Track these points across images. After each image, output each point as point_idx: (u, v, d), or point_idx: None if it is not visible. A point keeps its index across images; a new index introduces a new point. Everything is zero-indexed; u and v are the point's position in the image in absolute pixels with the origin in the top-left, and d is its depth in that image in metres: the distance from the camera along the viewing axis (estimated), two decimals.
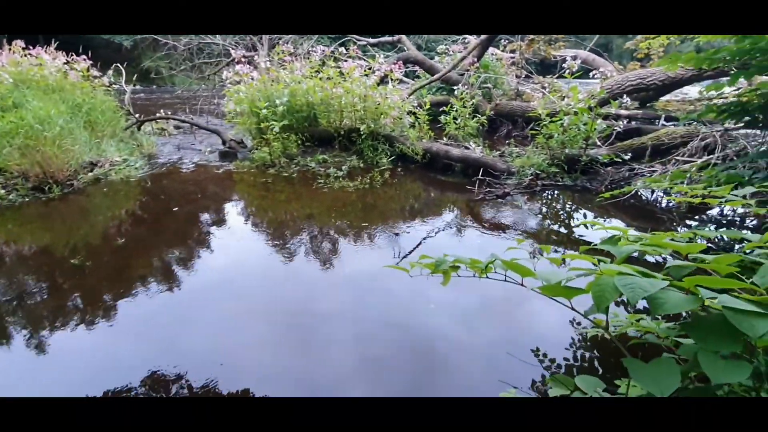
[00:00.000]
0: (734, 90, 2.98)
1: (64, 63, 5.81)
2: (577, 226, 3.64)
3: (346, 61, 5.63)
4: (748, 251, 1.09)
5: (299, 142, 5.33)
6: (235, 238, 3.37)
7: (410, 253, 3.02)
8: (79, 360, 1.96)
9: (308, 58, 6.29)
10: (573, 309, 0.95)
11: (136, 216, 3.82)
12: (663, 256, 2.35)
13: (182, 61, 8.94)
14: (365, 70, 5.53)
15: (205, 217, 3.87)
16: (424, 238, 3.26)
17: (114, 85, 6.50)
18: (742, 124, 2.85)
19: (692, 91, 7.55)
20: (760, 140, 3.79)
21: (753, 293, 0.77)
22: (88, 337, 2.11)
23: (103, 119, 5.50)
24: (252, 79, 5.40)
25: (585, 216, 3.91)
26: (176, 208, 3.99)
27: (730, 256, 0.89)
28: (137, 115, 6.43)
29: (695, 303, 0.71)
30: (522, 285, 0.97)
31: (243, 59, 6.02)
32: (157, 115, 6.45)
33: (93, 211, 3.95)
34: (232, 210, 4.04)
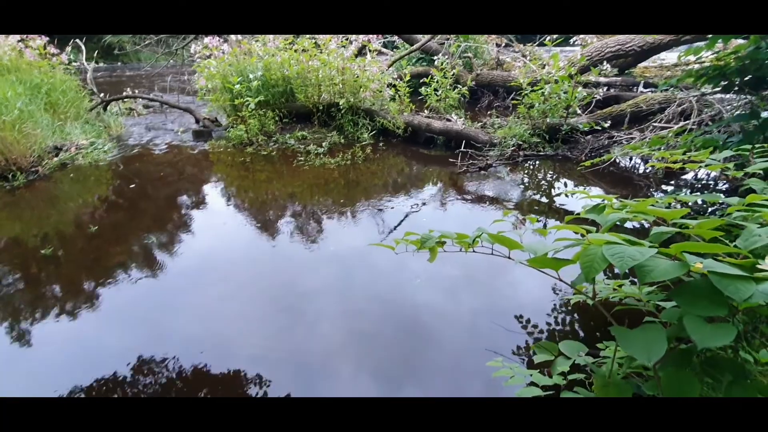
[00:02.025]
0: (712, 54, 2.98)
1: (18, 41, 5.39)
2: (558, 195, 3.68)
3: None
4: (729, 214, 1.11)
5: (277, 118, 5.15)
6: (216, 220, 3.28)
7: (395, 228, 3.01)
8: (61, 352, 1.91)
9: None
10: (560, 280, 0.95)
11: (109, 201, 3.67)
12: (641, 222, 2.39)
13: (147, 36, 8.43)
14: (342, 41, 5.32)
15: (184, 199, 3.75)
16: (409, 213, 3.25)
17: (74, 63, 6.09)
18: (718, 89, 2.88)
19: (670, 56, 7.58)
20: (734, 104, 3.85)
21: (736, 257, 0.78)
22: (67, 328, 2.04)
23: (64, 100, 5.17)
24: (223, 52, 5.13)
25: (566, 185, 3.95)
26: (152, 192, 3.84)
27: (712, 220, 0.89)
28: (102, 95, 6.08)
29: (682, 269, 0.71)
30: (509, 258, 0.96)
31: None
32: (124, 94, 6.11)
33: (62, 198, 3.77)
34: (212, 191, 3.92)
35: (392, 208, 3.33)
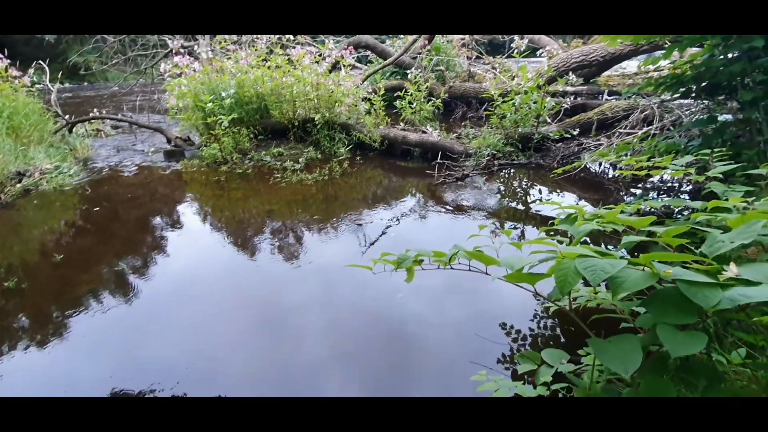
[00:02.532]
0: (669, 63, 3.14)
1: None
2: (534, 202, 3.76)
3: (294, 47, 5.41)
4: (695, 219, 1.14)
5: (251, 135, 5.10)
6: (192, 241, 3.19)
7: (375, 241, 3.00)
8: (32, 383, 1.79)
9: (253, 47, 5.99)
10: (537, 295, 0.96)
11: (76, 227, 3.52)
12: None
13: (114, 55, 8.24)
14: (315, 57, 5.34)
15: (157, 220, 3.63)
16: (389, 226, 3.24)
17: (37, 86, 5.88)
18: (677, 95, 3.02)
19: (631, 65, 7.95)
20: (693, 109, 4.05)
21: (703, 263, 0.80)
22: (36, 361, 1.92)
23: (27, 123, 4.97)
24: (194, 71, 5.06)
25: (541, 192, 4.05)
26: (122, 214, 3.71)
27: (678, 227, 0.92)
28: (67, 117, 5.88)
29: (652, 279, 0.73)
30: (487, 273, 0.96)
31: (182, 50, 5.63)
32: (91, 115, 5.92)
33: (26, 226, 3.59)
34: (186, 211, 3.82)
35: (371, 222, 3.32)
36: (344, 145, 5.03)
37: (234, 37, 6.08)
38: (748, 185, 1.62)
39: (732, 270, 0.73)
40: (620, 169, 1.91)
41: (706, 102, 3.24)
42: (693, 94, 3.00)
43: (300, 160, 4.65)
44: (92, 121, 6.15)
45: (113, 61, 7.96)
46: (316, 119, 4.99)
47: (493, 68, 7.33)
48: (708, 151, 1.89)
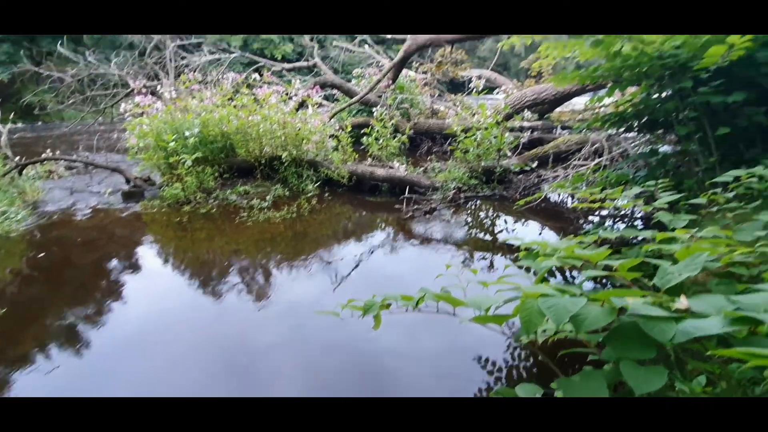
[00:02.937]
0: (613, 100, 3.41)
1: None
2: (500, 232, 3.86)
3: (260, 87, 5.48)
4: (646, 252, 1.21)
5: (216, 174, 5.00)
6: (152, 284, 3.02)
7: (347, 276, 2.95)
8: None
9: (219, 86, 6.01)
10: (504, 334, 0.96)
11: (23, 276, 3.25)
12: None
13: (71, 94, 8.01)
14: (282, 96, 5.41)
15: (114, 264, 3.42)
16: (360, 261, 3.21)
17: None
18: (622, 130, 3.27)
19: (580, 101, 8.59)
20: (638, 141, 4.38)
21: (657, 295, 0.84)
22: None
23: None
24: (156, 110, 4.98)
25: (506, 222, 4.18)
26: (75, 259, 3.47)
27: (631, 260, 0.97)
28: (17, 158, 5.57)
29: (611, 315, 0.75)
30: (454, 314, 0.96)
31: (144, 89, 5.56)
32: (43, 156, 5.64)
33: None
34: (146, 253, 3.63)
35: (341, 259, 3.28)
36: (312, 182, 5.04)
37: (199, 76, 6.09)
38: (691, 213, 1.75)
39: (683, 302, 0.77)
40: (577, 201, 2.01)
41: (647, 135, 3.52)
42: (635, 129, 3.26)
43: (267, 197, 4.59)
44: (44, 162, 5.85)
45: (70, 101, 7.73)
46: (283, 157, 4.99)
47: (455, 105, 7.70)
48: (653, 182, 2.03)
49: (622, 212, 4.11)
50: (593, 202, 1.79)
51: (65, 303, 2.77)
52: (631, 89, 3.69)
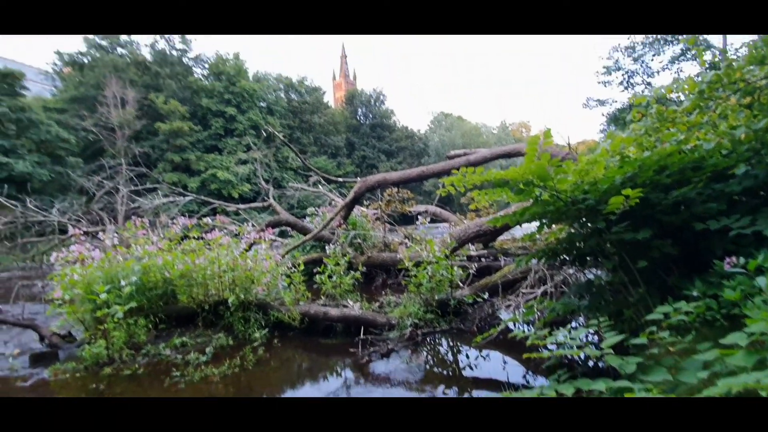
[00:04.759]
0: (543, 236, 3.73)
1: None
2: (464, 369, 3.64)
3: (211, 230, 5.47)
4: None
5: (150, 326, 4.53)
6: None
7: None
8: None
9: (167, 231, 5.94)
10: None
11: None
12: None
13: (1, 240, 7.52)
14: (234, 240, 5.39)
15: None
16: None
17: None
18: (557, 263, 3.51)
19: (519, 231, 9.40)
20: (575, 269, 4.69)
21: None
22: None
23: None
24: (92, 259, 4.69)
25: (468, 356, 4.01)
26: None
27: None
28: None
29: None
30: None
31: (83, 236, 5.33)
32: None
33: None
34: None
35: None
36: (260, 328, 4.68)
37: (147, 222, 6.03)
38: (636, 355, 1.75)
39: None
40: (528, 354, 1.98)
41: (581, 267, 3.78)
42: (568, 262, 3.51)
43: (207, 350, 4.14)
44: None
45: None
46: (230, 301, 4.70)
47: (406, 238, 8.08)
48: (595, 321, 2.08)
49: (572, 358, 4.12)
50: (545, 348, 1.76)
51: None
52: (557, 226, 4.10)
